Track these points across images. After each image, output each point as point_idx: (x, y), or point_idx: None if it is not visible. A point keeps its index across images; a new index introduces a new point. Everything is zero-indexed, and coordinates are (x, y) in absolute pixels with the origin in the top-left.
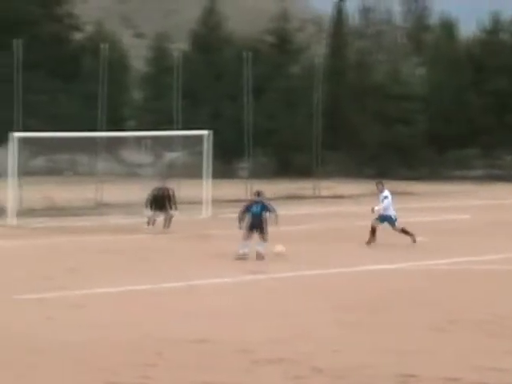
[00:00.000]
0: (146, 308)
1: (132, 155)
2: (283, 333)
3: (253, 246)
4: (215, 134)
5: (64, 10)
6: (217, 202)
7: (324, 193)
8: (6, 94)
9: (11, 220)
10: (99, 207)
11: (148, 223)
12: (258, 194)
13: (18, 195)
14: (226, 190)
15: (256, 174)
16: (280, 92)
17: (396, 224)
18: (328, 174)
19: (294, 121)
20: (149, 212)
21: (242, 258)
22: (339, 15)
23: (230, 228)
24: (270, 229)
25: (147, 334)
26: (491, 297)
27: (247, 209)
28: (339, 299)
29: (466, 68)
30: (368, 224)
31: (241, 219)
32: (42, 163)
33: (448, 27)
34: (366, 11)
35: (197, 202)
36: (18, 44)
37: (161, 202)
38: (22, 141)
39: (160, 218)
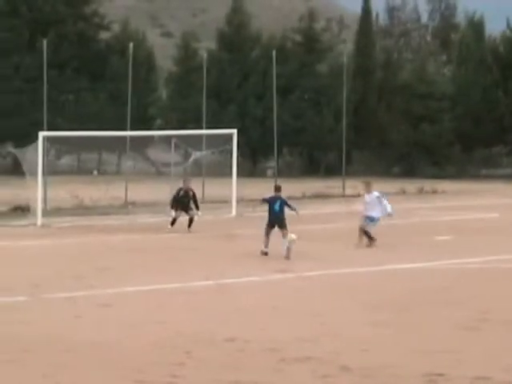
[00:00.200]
0: (174, 307)
1: (159, 154)
2: (311, 331)
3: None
4: (242, 133)
5: (91, 10)
6: (244, 202)
7: (351, 192)
8: (33, 94)
9: (39, 219)
10: (126, 206)
11: (172, 223)
12: (278, 188)
13: (46, 194)
14: (254, 189)
15: (283, 172)
16: (307, 91)
17: (373, 225)
18: (355, 173)
19: (320, 120)
20: (173, 213)
21: (265, 253)
22: (366, 14)
23: (257, 227)
24: (296, 227)
25: (176, 332)
26: None
27: (268, 201)
28: (367, 298)
29: (493, 66)
30: (395, 223)
31: (265, 200)
32: (69, 162)
33: (475, 25)
34: (392, 10)
35: (223, 201)
36: (44, 43)
37: (184, 202)
38: (49, 140)
39: (184, 217)
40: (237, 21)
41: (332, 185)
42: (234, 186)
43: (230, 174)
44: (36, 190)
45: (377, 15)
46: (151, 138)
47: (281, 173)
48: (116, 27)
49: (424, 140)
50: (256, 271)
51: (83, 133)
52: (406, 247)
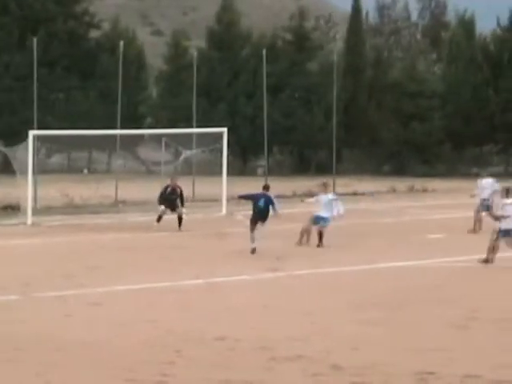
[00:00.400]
0: (164, 306)
1: (149, 153)
2: (302, 330)
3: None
4: (232, 132)
5: (81, 8)
6: (234, 200)
7: (341, 190)
8: (23, 92)
9: (29, 218)
10: (116, 205)
11: (158, 220)
12: (267, 187)
13: (36, 193)
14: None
15: (273, 171)
16: (297, 89)
17: (325, 225)
18: (345, 172)
19: (311, 118)
20: (162, 207)
21: (253, 249)
22: (356, 12)
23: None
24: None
25: (166, 331)
26: (511, 294)
27: (253, 198)
28: (357, 297)
29: (484, 65)
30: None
31: (243, 197)
32: (59, 161)
33: (465, 24)
34: (382, 8)
35: (214, 200)
36: (34, 42)
37: (171, 199)
38: (40, 138)
39: (169, 215)
40: (227, 19)
41: None
42: (224, 185)
43: (221, 173)
44: (26, 189)
45: (367, 13)
46: (141, 136)
47: (271, 171)
48: (106, 25)
49: (414, 138)
50: (246, 270)
51: (73, 131)
52: (398, 245)
